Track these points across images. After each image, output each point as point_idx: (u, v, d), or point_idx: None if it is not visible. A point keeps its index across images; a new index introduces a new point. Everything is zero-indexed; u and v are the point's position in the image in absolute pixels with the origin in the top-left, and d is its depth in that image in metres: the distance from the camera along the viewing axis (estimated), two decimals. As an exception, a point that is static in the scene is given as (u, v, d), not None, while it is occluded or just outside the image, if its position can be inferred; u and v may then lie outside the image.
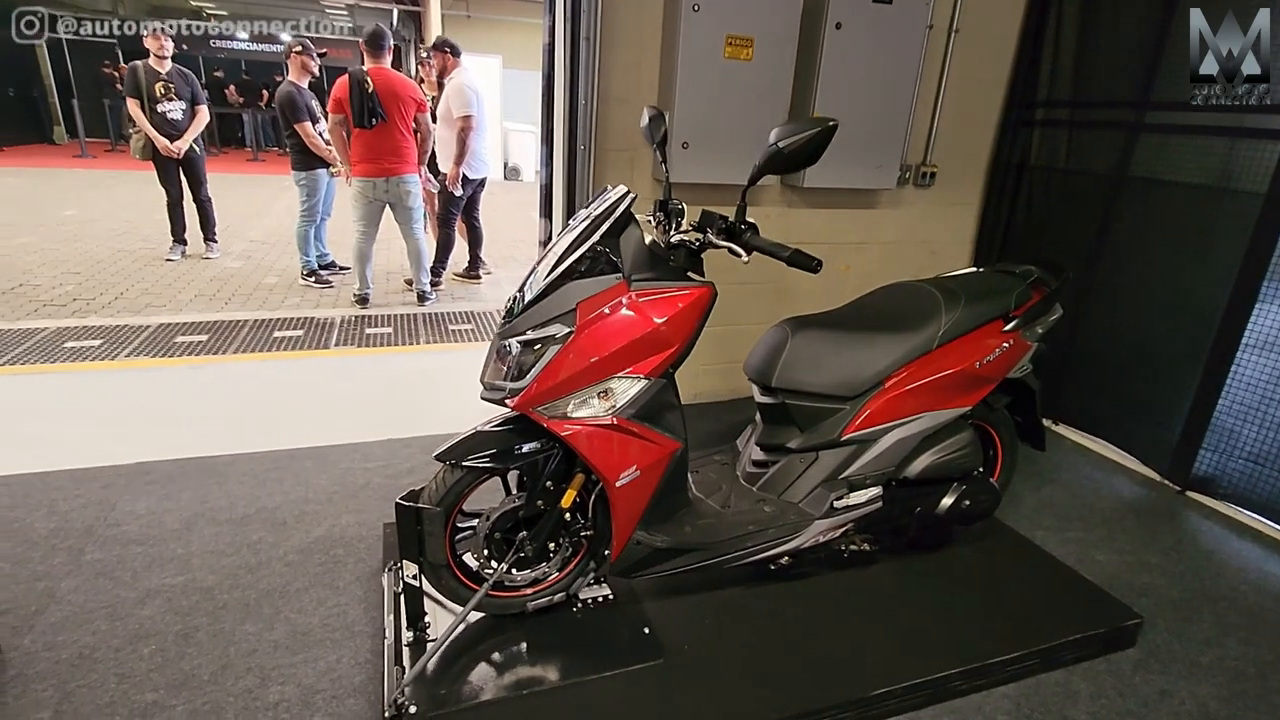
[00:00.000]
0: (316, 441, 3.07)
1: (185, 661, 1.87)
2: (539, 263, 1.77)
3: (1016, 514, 2.75)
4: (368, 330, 4.67)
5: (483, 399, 1.75)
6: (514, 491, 1.83)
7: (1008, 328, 2.05)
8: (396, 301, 5.33)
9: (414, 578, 1.79)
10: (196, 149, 6.01)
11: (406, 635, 1.85)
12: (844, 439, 1.96)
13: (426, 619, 1.88)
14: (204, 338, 4.33)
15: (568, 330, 1.61)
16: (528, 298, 1.68)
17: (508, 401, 1.67)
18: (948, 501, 2.14)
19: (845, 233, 3.72)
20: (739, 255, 1.68)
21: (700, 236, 1.75)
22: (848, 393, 1.98)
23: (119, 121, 14.09)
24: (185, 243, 6.30)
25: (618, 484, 1.68)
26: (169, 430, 3.14)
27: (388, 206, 4.85)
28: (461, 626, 1.81)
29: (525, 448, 1.73)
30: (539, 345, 1.63)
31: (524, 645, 1.88)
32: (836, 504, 1.98)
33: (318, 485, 2.75)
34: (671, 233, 1.80)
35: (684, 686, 1.78)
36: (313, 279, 5.61)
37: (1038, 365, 2.23)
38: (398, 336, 4.61)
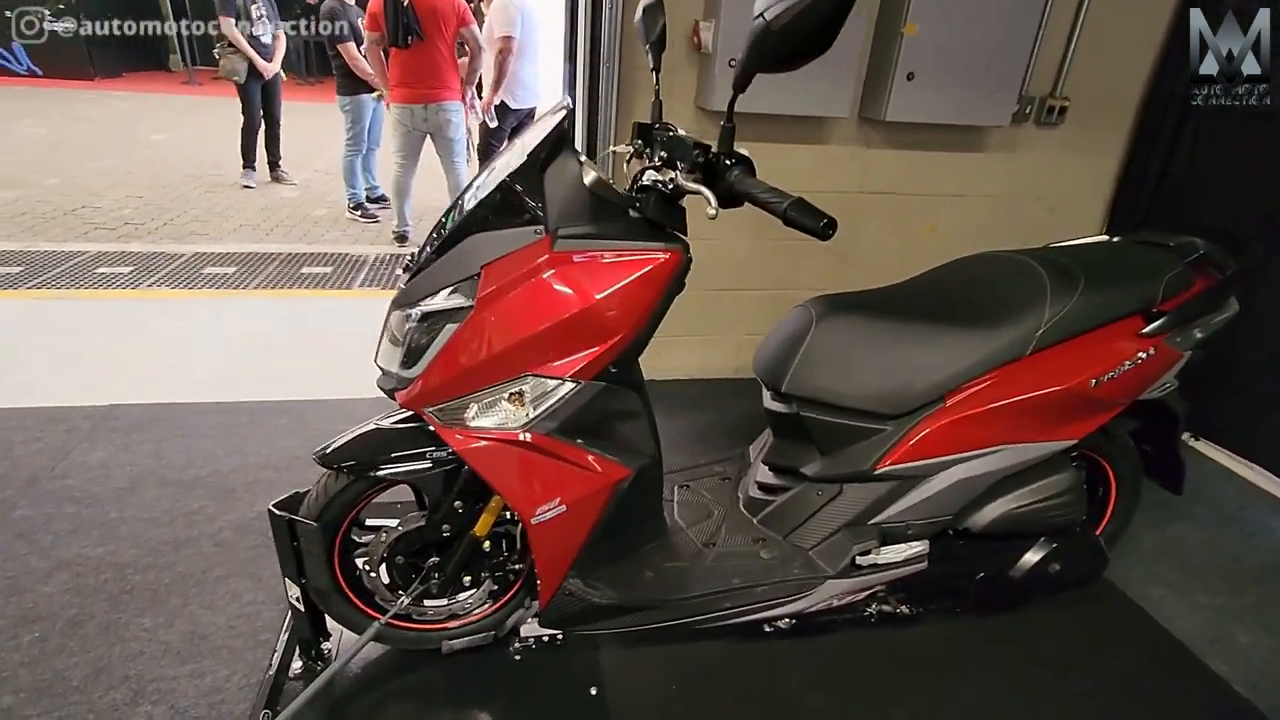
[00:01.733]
0: (300, 395, 2.80)
1: (61, 658, 1.61)
2: (459, 199, 1.29)
3: (1126, 561, 2.09)
4: (399, 271, 4.36)
5: (378, 386, 1.32)
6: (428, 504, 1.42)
7: (1149, 329, 1.40)
8: (439, 240, 5.01)
9: (296, 599, 1.43)
10: (282, 74, 5.89)
11: (296, 665, 1.50)
12: (878, 472, 1.40)
13: (326, 645, 1.52)
14: (232, 270, 4.15)
15: (466, 304, 1.14)
16: (427, 251, 1.22)
17: (397, 395, 1.24)
18: (1029, 562, 1.56)
19: (937, 181, 3.00)
20: (709, 203, 1.13)
21: (669, 176, 1.21)
22: (889, 410, 1.40)
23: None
24: (255, 169, 6.22)
25: (533, 521, 1.22)
26: (155, 370, 2.94)
27: (428, 136, 4.46)
28: (342, 663, 1.43)
29: (432, 455, 1.30)
30: (435, 322, 1.17)
31: (435, 693, 1.50)
32: (860, 560, 1.44)
33: (283, 448, 2.45)
34: (645, 173, 1.27)
35: None
36: (358, 213, 5.37)
37: (1185, 380, 1.57)
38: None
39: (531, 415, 1.17)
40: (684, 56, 2.62)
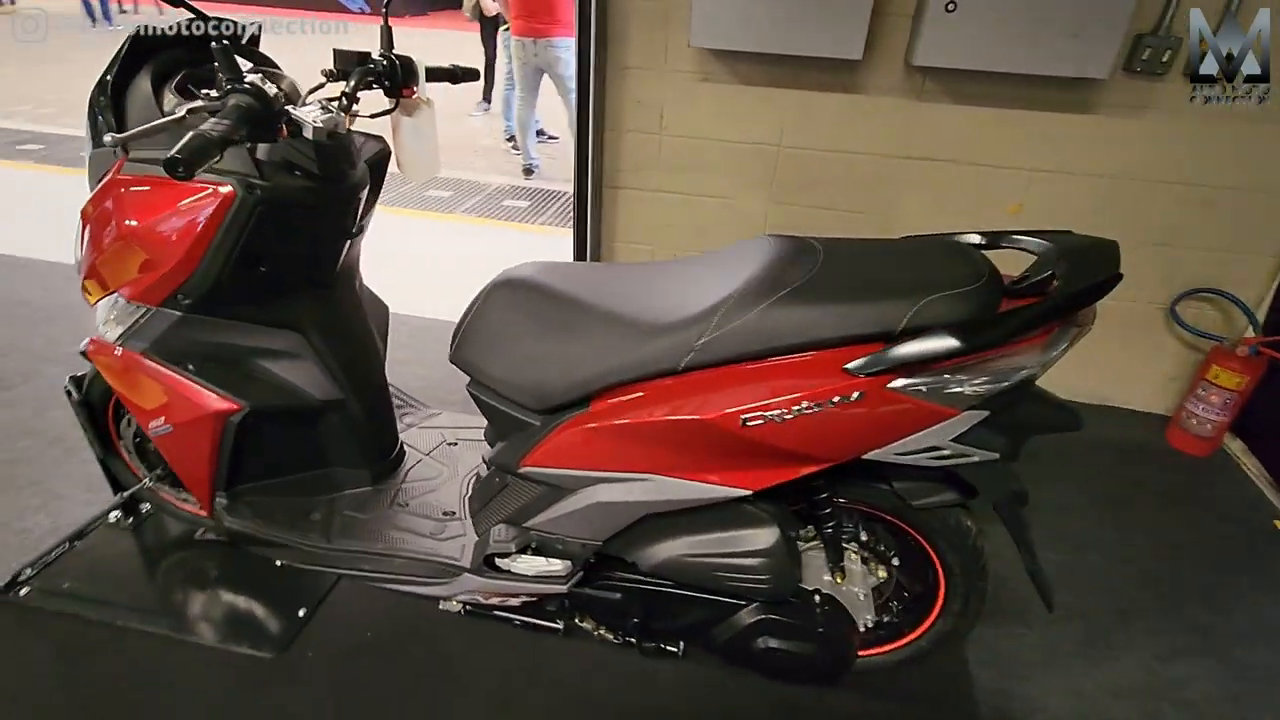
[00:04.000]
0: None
1: None
2: None
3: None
4: (505, 202, 4.62)
5: None
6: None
7: (853, 365, 1.00)
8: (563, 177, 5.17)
9: (99, 459, 1.68)
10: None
11: (116, 514, 1.79)
12: (521, 471, 1.19)
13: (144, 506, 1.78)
14: None
15: (88, 203, 1.20)
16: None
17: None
18: (734, 626, 1.24)
19: (1024, 152, 2.31)
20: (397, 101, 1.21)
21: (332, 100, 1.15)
22: (531, 403, 1.18)
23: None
24: (489, 101, 6.86)
25: (149, 432, 1.29)
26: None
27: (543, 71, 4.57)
28: (100, 523, 1.64)
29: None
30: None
31: (182, 571, 1.68)
32: (499, 562, 1.27)
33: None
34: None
35: (273, 693, 1.41)
36: (512, 144, 5.71)
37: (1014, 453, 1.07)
38: (532, 213, 4.47)
39: (119, 332, 1.22)
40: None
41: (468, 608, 1.40)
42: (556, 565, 1.25)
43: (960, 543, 1.23)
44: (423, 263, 3.68)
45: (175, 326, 1.22)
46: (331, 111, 1.18)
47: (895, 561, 1.33)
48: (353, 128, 1.31)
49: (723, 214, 2.60)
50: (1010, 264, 1.13)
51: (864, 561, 1.30)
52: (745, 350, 1.03)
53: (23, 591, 1.59)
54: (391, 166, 1.45)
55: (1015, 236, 1.12)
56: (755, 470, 1.07)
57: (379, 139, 1.41)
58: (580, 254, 2.82)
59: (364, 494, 1.47)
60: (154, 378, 1.24)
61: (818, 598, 1.24)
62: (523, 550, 1.26)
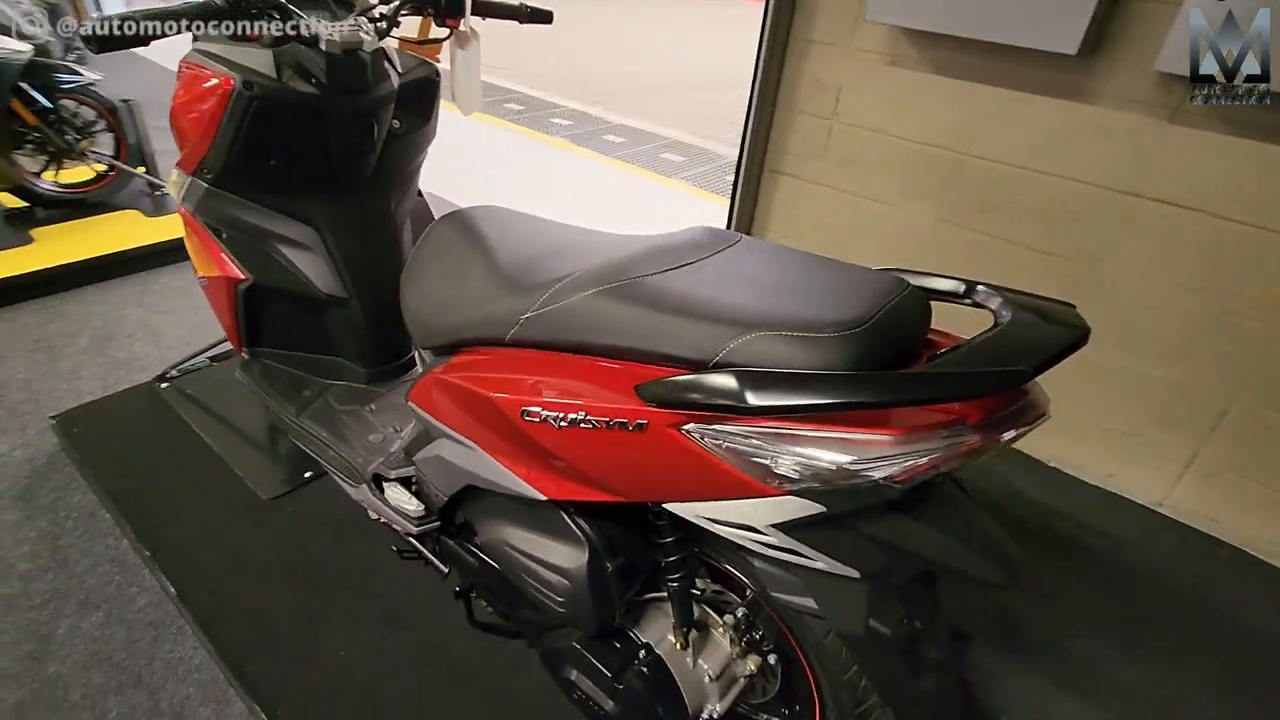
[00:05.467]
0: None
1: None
2: None
3: None
4: (728, 177, 4.53)
5: None
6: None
7: (642, 387, 0.77)
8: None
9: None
10: None
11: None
12: (409, 402, 1.18)
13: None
14: (622, 140, 5.03)
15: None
16: None
17: None
18: (547, 642, 1.11)
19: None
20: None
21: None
22: (419, 338, 1.14)
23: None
24: None
25: (197, 280, 1.54)
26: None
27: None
28: (234, 355, 1.95)
29: None
30: None
31: (255, 410, 2.00)
32: (385, 482, 1.28)
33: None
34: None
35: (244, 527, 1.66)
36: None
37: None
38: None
39: (180, 194, 1.44)
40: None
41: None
42: (414, 505, 1.24)
43: (828, 665, 0.94)
44: (619, 218, 3.82)
45: (206, 197, 1.42)
46: (359, 27, 1.26)
47: (771, 659, 1.07)
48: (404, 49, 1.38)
49: (880, 222, 2.24)
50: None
51: (733, 643, 1.07)
52: (558, 337, 0.88)
53: (163, 385, 2.06)
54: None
55: (982, 289, 0.79)
56: (552, 475, 0.93)
57: (426, 64, 1.47)
58: (731, 236, 2.66)
59: (354, 390, 1.60)
60: (199, 236, 1.49)
61: (642, 654, 1.05)
62: (404, 482, 1.28)
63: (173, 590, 1.52)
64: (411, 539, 1.36)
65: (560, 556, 0.99)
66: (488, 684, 1.37)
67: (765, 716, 1.18)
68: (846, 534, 0.79)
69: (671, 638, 1.06)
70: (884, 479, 0.70)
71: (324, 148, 1.36)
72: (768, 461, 0.73)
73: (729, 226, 2.63)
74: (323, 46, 1.23)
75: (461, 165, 4.06)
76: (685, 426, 0.77)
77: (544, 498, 0.94)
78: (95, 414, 1.97)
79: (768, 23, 2.24)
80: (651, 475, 0.83)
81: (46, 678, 1.43)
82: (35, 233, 2.84)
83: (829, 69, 2.20)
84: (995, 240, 2.05)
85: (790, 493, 0.75)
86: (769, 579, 0.91)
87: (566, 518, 0.98)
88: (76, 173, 3.04)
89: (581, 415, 0.82)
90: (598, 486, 0.89)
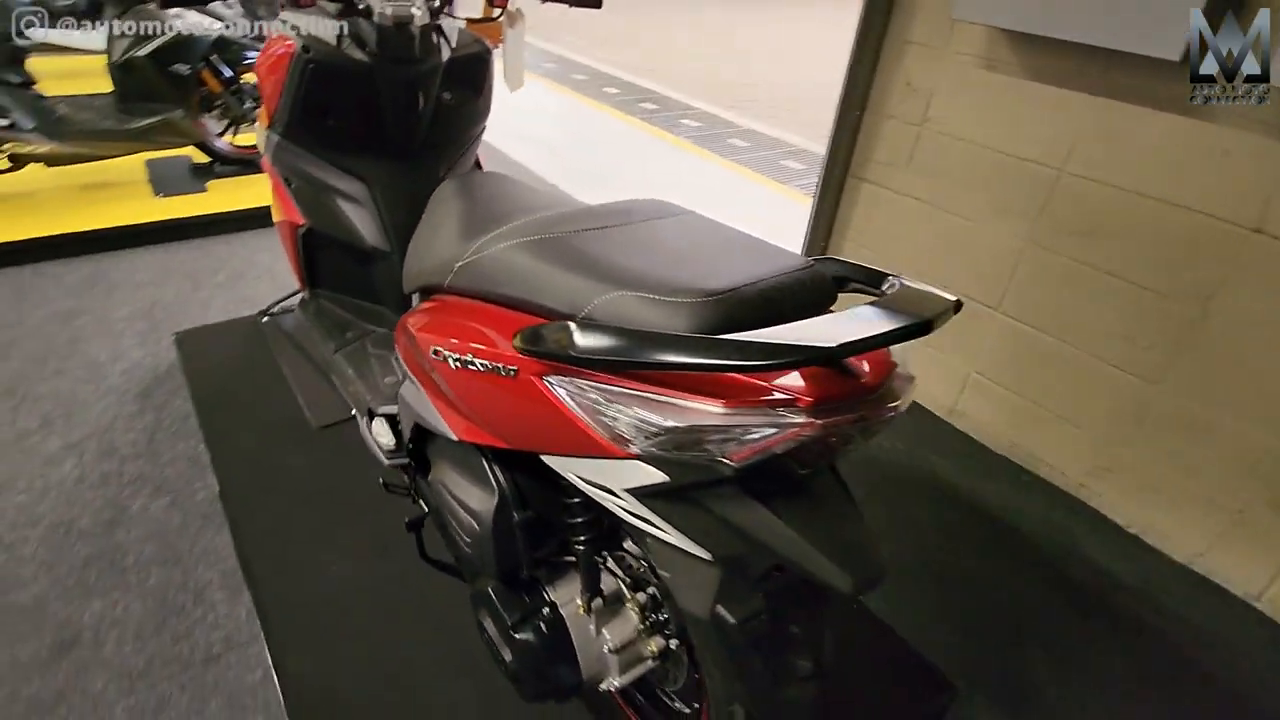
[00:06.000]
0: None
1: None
2: None
3: None
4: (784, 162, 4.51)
5: None
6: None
7: (516, 336, 0.77)
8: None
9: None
10: None
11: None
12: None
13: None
14: (699, 124, 5.25)
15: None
16: None
17: None
18: (476, 587, 1.15)
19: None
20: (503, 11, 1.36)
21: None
22: (405, 284, 1.22)
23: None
24: None
25: (274, 221, 1.75)
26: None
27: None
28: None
29: None
30: None
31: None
32: (375, 418, 1.38)
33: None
34: None
35: (288, 451, 1.86)
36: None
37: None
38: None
39: (262, 144, 1.63)
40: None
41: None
42: (387, 439, 1.34)
43: (703, 626, 0.90)
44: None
45: (278, 149, 1.60)
46: (410, 3, 1.38)
47: (673, 643, 1.04)
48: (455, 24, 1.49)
49: (963, 240, 2.08)
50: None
51: (641, 621, 1.06)
52: (478, 286, 0.92)
53: (264, 319, 2.36)
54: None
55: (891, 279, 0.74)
56: (459, 416, 0.97)
57: (479, 41, 1.57)
58: (812, 242, 2.57)
59: (390, 338, 1.75)
60: (275, 181, 1.70)
61: (546, 611, 1.06)
62: (392, 420, 1.38)
63: (217, 489, 1.75)
64: (399, 474, 1.47)
65: (474, 499, 1.04)
66: (444, 621, 1.45)
67: (679, 704, 1.15)
68: (699, 512, 0.76)
69: (579, 601, 1.07)
70: (719, 454, 0.68)
71: (376, 111, 1.51)
72: (610, 421, 0.73)
73: (808, 233, 2.55)
74: (375, 19, 1.37)
75: (571, 152, 4.28)
76: (548, 377, 0.78)
77: (455, 437, 0.99)
78: (207, 336, 2.30)
79: (862, 22, 2.15)
80: (526, 424, 0.85)
81: (114, 542, 1.69)
82: (210, 184, 3.34)
83: (923, 72, 2.07)
84: (1093, 270, 1.83)
85: (637, 457, 0.74)
86: (659, 553, 0.90)
87: (486, 465, 1.03)
88: (250, 137, 3.53)
89: (469, 357, 0.86)
90: (491, 432, 0.92)
